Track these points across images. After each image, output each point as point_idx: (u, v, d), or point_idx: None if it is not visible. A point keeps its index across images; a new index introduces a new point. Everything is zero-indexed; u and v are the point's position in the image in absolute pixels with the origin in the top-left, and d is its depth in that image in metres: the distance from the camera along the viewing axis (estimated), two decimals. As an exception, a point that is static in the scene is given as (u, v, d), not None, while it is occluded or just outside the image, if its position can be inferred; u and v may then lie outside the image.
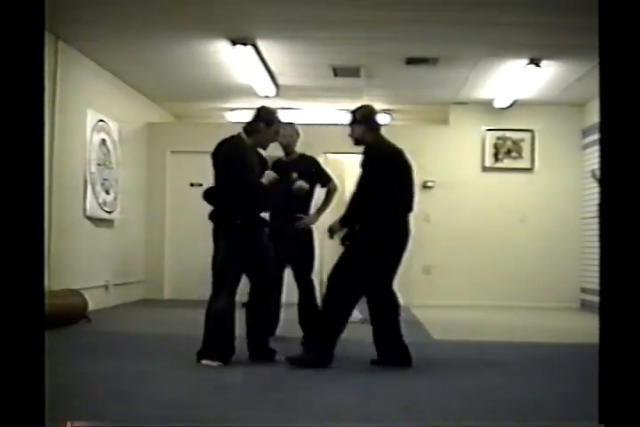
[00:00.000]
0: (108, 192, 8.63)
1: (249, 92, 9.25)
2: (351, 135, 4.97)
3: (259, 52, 7.66)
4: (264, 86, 8.93)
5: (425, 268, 9.73)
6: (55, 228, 7.15)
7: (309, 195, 6.19)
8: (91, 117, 8.17)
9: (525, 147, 10.24)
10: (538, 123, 10.21)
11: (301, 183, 5.89)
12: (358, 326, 7.32)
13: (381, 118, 5.02)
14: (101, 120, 8.45)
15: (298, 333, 6.06)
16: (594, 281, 8.09)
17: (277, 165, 5.82)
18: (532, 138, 10.22)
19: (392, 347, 4.81)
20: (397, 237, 4.83)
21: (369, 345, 4.90)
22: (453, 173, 10.12)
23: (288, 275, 6.12)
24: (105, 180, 8.55)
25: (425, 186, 9.74)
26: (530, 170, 10.23)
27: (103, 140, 8.52)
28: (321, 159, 7.10)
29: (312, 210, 6.23)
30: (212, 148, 4.93)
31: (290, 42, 7.50)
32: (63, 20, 6.54)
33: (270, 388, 4.22)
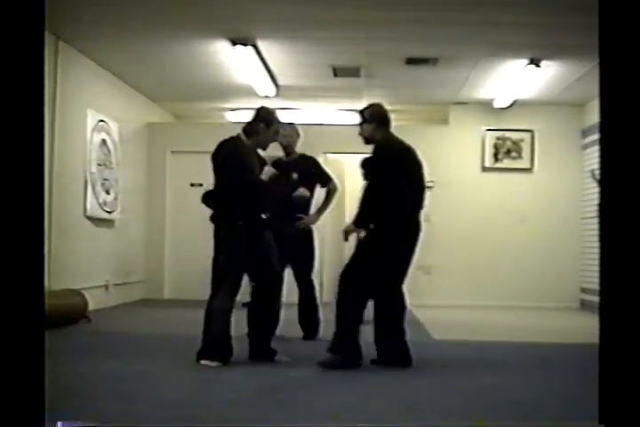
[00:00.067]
0: (108, 192, 8.63)
1: (249, 92, 9.25)
2: (361, 134, 4.96)
3: (259, 52, 7.66)
4: (264, 86, 8.93)
5: (425, 268, 9.72)
6: (55, 228, 7.15)
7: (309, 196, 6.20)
8: (91, 117, 8.17)
9: (525, 147, 10.24)
10: (538, 123, 10.21)
11: (303, 191, 5.91)
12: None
13: (391, 116, 4.99)
14: (101, 120, 8.45)
15: (298, 333, 6.07)
16: (594, 281, 8.09)
17: (277, 165, 5.82)
18: (532, 138, 10.22)
19: (392, 347, 4.80)
20: (407, 236, 4.81)
21: (369, 345, 4.89)
22: (453, 173, 10.12)
23: (288, 275, 6.12)
24: (105, 180, 8.55)
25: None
26: (530, 170, 10.23)
27: (103, 141, 8.52)
28: (321, 159, 7.10)
29: (312, 210, 6.23)
30: (212, 148, 4.93)
31: (290, 42, 7.50)
32: (63, 20, 6.54)
33: (270, 388, 4.21)
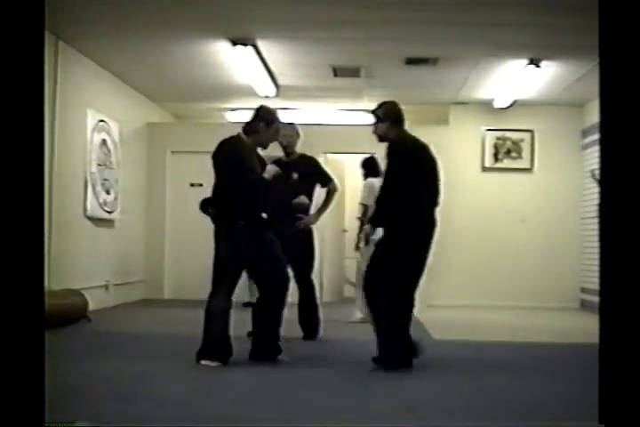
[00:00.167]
0: (108, 192, 8.63)
1: (249, 92, 9.25)
2: (375, 132, 4.95)
3: (259, 52, 7.66)
4: (264, 86, 8.93)
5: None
6: (55, 228, 7.15)
7: (309, 196, 6.20)
8: (91, 117, 8.17)
9: (525, 147, 10.24)
10: (538, 123, 10.21)
11: (302, 198, 5.92)
12: (358, 326, 7.34)
13: (405, 114, 4.99)
14: (102, 120, 8.45)
15: (298, 333, 6.07)
16: (594, 281, 8.09)
17: (277, 165, 5.81)
18: (532, 138, 10.22)
19: (395, 347, 4.78)
20: (423, 234, 4.80)
21: (369, 345, 4.89)
22: (453, 173, 10.10)
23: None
24: (105, 180, 8.55)
25: (425, 186, 9.74)
26: (530, 170, 10.23)
27: (103, 141, 8.52)
28: (321, 159, 7.10)
29: (312, 210, 6.23)
30: (212, 148, 4.93)
31: (290, 42, 7.50)
32: (63, 20, 6.54)
33: (270, 388, 4.22)
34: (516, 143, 10.24)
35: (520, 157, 10.24)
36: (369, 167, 7.87)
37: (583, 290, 9.79)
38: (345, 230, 10.58)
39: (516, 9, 6.29)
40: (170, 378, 4.45)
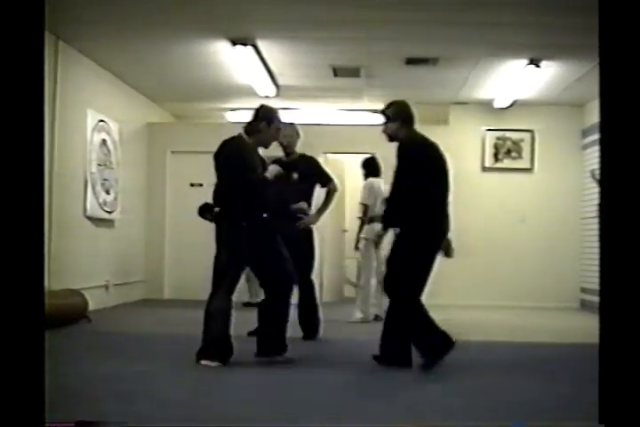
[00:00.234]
0: (108, 192, 8.63)
1: (249, 92, 9.25)
2: (385, 131, 4.93)
3: (259, 52, 7.66)
4: (264, 86, 8.93)
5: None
6: (55, 228, 7.15)
7: (309, 196, 6.20)
8: (91, 117, 8.17)
9: (525, 147, 10.24)
10: (538, 123, 10.21)
11: (301, 204, 5.92)
12: (358, 326, 7.34)
13: (415, 114, 4.97)
14: (102, 120, 8.45)
15: (298, 333, 6.06)
16: (594, 281, 8.09)
17: (277, 165, 5.82)
18: (532, 138, 10.22)
19: (397, 347, 4.78)
20: (433, 234, 4.80)
21: (369, 345, 4.89)
22: (453, 172, 10.11)
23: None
24: (105, 180, 8.55)
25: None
26: (530, 170, 10.23)
27: (103, 141, 8.52)
28: (321, 159, 7.10)
29: (312, 210, 6.23)
30: (212, 148, 4.93)
31: (290, 42, 7.50)
32: (63, 20, 6.54)
33: (270, 388, 4.22)
34: (516, 143, 10.24)
35: (520, 157, 10.24)
36: (369, 167, 7.88)
37: (583, 290, 9.79)
38: (345, 230, 10.59)
39: (516, 9, 6.29)
40: (170, 378, 4.45)
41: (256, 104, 5.19)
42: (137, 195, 9.86)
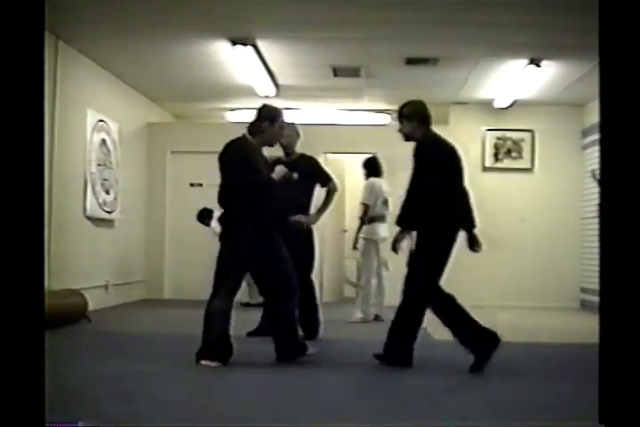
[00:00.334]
0: (108, 192, 8.63)
1: (249, 92, 9.24)
2: (401, 131, 4.92)
3: (259, 52, 7.66)
4: (264, 86, 8.93)
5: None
6: (55, 228, 7.15)
7: (309, 196, 6.20)
8: (91, 117, 8.17)
9: (525, 147, 10.24)
10: (538, 123, 10.21)
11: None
12: (358, 326, 7.34)
13: (431, 114, 4.96)
14: (101, 120, 8.45)
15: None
16: (594, 281, 8.08)
17: (277, 164, 5.82)
18: (532, 138, 10.22)
19: (399, 348, 4.77)
20: (450, 236, 4.81)
21: (369, 345, 4.89)
22: (453, 173, 10.12)
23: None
24: (105, 180, 8.55)
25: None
26: (530, 170, 10.23)
27: (103, 141, 8.52)
28: (321, 159, 7.10)
29: (312, 210, 6.22)
30: (212, 148, 4.93)
31: (290, 42, 7.50)
32: (63, 20, 6.53)
33: (270, 388, 4.21)
34: (516, 143, 10.24)
35: (520, 156, 10.24)
36: (371, 167, 7.88)
37: (583, 290, 9.79)
38: (345, 230, 10.58)
39: (516, 9, 6.29)
40: (170, 378, 4.45)
41: (256, 104, 5.19)
42: (137, 195, 9.86)
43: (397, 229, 4.92)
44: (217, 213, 8.78)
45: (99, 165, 8.38)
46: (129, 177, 9.37)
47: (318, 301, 6.39)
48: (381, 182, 7.78)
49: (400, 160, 9.27)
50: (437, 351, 5.49)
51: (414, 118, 4.88)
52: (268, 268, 4.87)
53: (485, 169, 10.24)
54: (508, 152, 10.24)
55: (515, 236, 10.10)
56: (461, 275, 9.93)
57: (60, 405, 3.14)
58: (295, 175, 5.98)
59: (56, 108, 7.29)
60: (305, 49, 7.76)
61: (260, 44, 7.42)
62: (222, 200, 4.89)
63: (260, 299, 5.45)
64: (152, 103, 10.42)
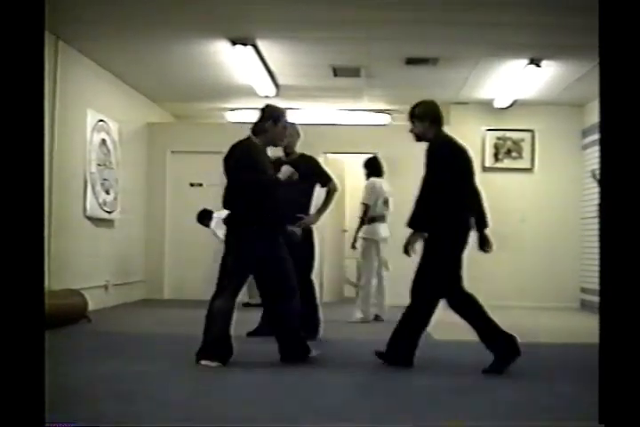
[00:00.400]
0: (108, 192, 8.63)
1: (249, 92, 9.25)
2: (412, 131, 4.90)
3: (259, 52, 7.66)
4: (264, 86, 8.93)
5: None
6: (55, 228, 7.15)
7: (309, 196, 6.20)
8: (91, 117, 8.17)
9: (525, 147, 10.24)
10: (538, 123, 10.21)
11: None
12: (358, 326, 7.34)
13: (443, 114, 4.94)
14: (101, 120, 8.45)
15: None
16: (594, 281, 8.09)
17: (277, 164, 5.82)
18: (532, 138, 10.22)
19: (403, 348, 4.77)
20: (462, 237, 4.81)
21: (369, 345, 4.89)
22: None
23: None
24: (105, 180, 8.55)
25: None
26: (530, 170, 10.23)
27: (103, 141, 8.52)
28: (321, 159, 7.10)
29: (312, 210, 6.22)
30: (212, 148, 4.94)
31: (290, 42, 7.50)
32: (63, 20, 6.54)
33: (270, 388, 4.21)
34: (516, 143, 10.24)
35: (520, 156, 10.24)
36: (372, 167, 7.88)
37: (583, 290, 9.79)
38: (345, 230, 10.58)
39: (516, 9, 6.29)
40: (170, 378, 4.45)
41: (256, 104, 5.20)
42: (137, 195, 9.86)
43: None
44: (216, 214, 8.80)
45: (99, 165, 8.38)
46: (129, 177, 9.37)
47: (318, 301, 6.38)
48: (382, 182, 7.79)
49: (400, 160, 9.31)
50: (437, 351, 5.49)
51: (426, 118, 4.87)
52: (269, 268, 4.87)
53: (485, 169, 10.23)
54: (508, 152, 10.24)
55: (515, 236, 10.10)
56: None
57: (60, 405, 3.14)
58: (295, 176, 5.99)
59: (56, 108, 7.29)
60: (305, 49, 7.76)
61: (260, 44, 7.42)
62: (227, 201, 4.90)
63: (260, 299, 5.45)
64: (152, 103, 10.42)
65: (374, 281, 7.68)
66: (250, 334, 6.09)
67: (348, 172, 10.38)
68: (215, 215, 8.77)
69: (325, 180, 6.27)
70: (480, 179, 10.62)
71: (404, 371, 4.65)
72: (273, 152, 5.81)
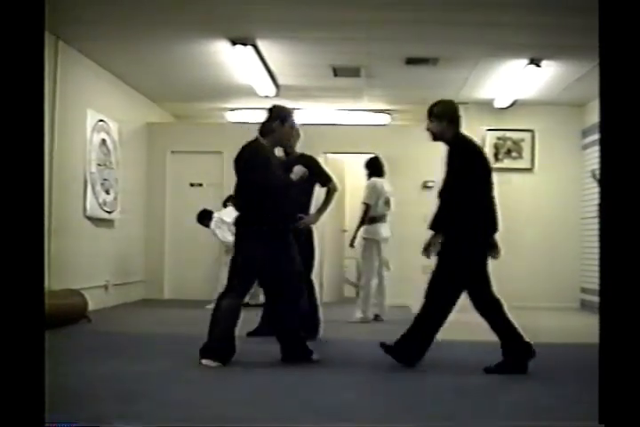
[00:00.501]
0: (108, 192, 8.63)
1: (249, 92, 9.24)
2: (429, 129, 4.86)
3: (259, 52, 7.66)
4: (264, 86, 8.93)
5: (424, 267, 9.68)
6: (55, 228, 7.15)
7: (309, 196, 6.19)
8: (91, 117, 8.17)
9: (525, 147, 10.23)
10: (538, 123, 10.20)
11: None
12: (358, 326, 7.34)
13: (461, 114, 4.91)
14: (101, 120, 8.45)
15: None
16: (594, 281, 8.08)
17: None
18: (532, 138, 10.22)
19: (408, 348, 4.77)
20: (482, 239, 4.80)
21: (369, 345, 4.89)
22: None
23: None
24: (105, 180, 8.55)
25: (425, 186, 9.72)
26: (530, 170, 10.23)
27: (103, 141, 8.52)
28: (321, 159, 7.10)
29: (312, 210, 6.22)
30: (212, 148, 4.95)
31: (290, 42, 7.50)
32: (63, 20, 6.54)
33: (270, 388, 4.21)
34: (516, 143, 10.23)
35: (520, 156, 10.23)
36: (373, 167, 7.88)
37: (583, 290, 9.79)
38: (345, 230, 10.58)
39: (516, 9, 6.29)
40: (170, 378, 4.45)
41: (256, 104, 5.20)
42: (137, 195, 9.86)
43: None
44: (216, 214, 8.81)
45: (99, 165, 8.38)
46: (129, 177, 9.37)
47: (318, 301, 6.38)
48: (383, 182, 7.79)
49: (400, 160, 9.31)
50: (437, 352, 5.48)
51: (444, 118, 4.83)
52: (274, 268, 4.88)
53: (485, 169, 10.24)
54: (508, 152, 10.24)
55: (514, 236, 10.09)
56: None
57: (60, 405, 3.14)
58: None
59: (56, 108, 7.29)
60: (305, 49, 7.76)
61: (260, 44, 7.42)
62: (238, 202, 4.90)
63: (260, 299, 5.46)
64: (152, 103, 10.42)
65: (375, 281, 7.68)
66: (250, 334, 6.09)
67: (347, 172, 10.38)
68: (215, 215, 8.78)
69: (325, 180, 6.27)
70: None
71: (405, 371, 4.65)
72: (277, 153, 5.83)
